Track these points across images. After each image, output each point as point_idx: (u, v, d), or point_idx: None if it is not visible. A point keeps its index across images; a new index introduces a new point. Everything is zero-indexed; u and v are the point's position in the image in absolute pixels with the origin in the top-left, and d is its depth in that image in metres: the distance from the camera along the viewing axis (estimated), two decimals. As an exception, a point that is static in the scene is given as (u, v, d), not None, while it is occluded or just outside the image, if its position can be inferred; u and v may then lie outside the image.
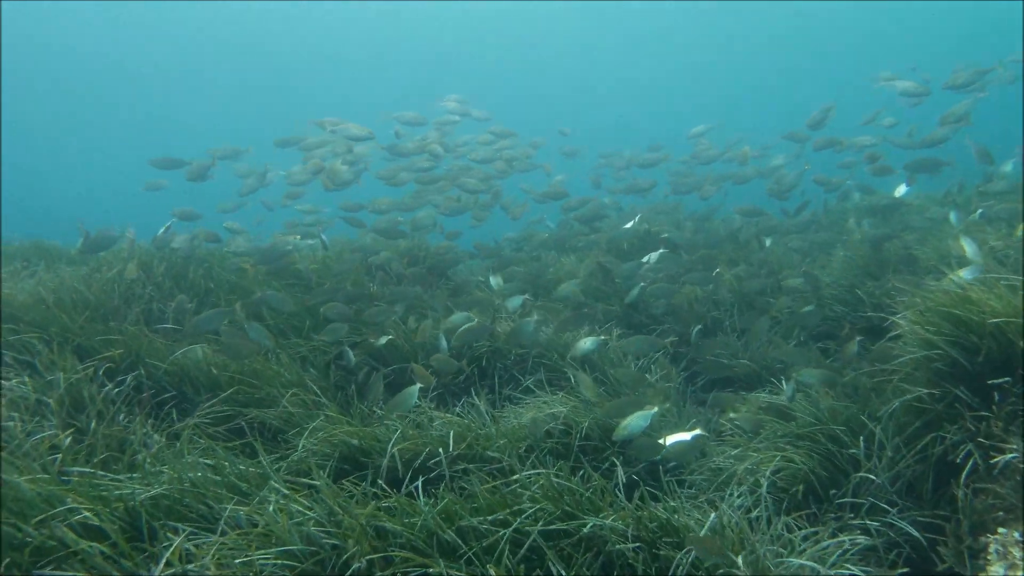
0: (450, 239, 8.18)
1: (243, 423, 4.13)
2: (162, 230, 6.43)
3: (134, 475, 3.14)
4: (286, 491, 3.04)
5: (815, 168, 9.01)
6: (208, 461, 3.25)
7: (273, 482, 3.15)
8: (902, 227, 7.25)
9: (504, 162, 8.42)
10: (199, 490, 2.95)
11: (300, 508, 2.82)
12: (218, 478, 3.10)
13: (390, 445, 3.52)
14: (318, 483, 3.05)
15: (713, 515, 2.74)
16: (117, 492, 2.97)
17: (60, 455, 3.45)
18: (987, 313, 3.03)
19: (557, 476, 3.09)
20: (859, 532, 3.09)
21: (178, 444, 3.66)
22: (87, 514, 2.74)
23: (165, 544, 2.66)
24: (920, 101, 7.80)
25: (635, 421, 3.84)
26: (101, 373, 4.44)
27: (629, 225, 7.67)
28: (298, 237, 7.19)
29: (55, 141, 42.28)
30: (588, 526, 2.71)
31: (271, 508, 2.76)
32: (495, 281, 7.04)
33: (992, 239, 5.39)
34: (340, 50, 40.49)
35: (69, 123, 42.19)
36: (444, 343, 4.87)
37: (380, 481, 3.36)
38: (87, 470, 3.18)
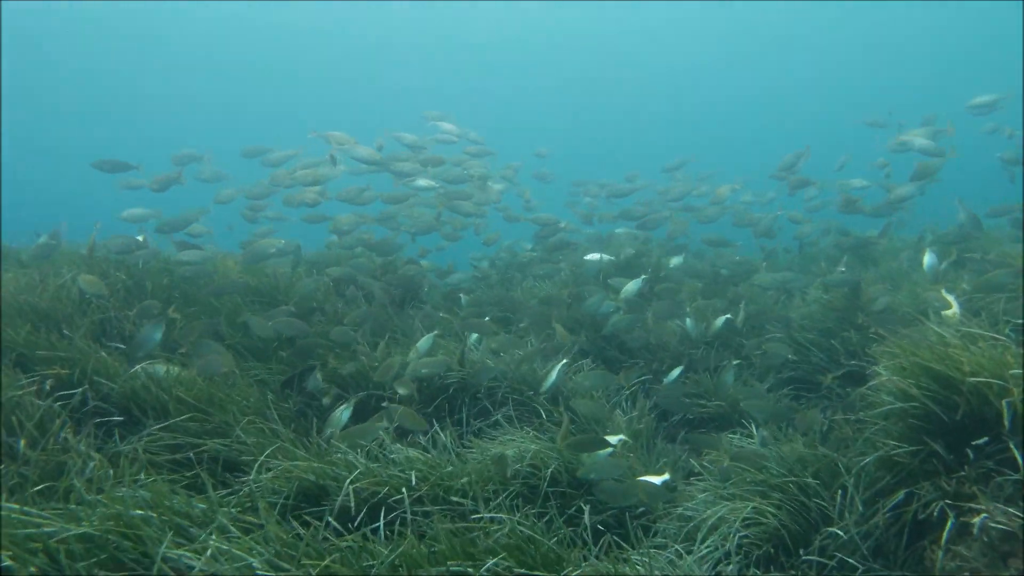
0: (423, 255, 8.06)
1: (193, 454, 3.90)
2: (139, 237, 6.20)
3: (60, 508, 2.90)
4: (234, 530, 2.85)
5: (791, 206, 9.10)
6: (145, 494, 3.03)
7: (220, 520, 2.96)
8: (877, 272, 7.29)
9: (478, 182, 8.31)
10: (134, 530, 2.73)
11: (242, 553, 2.63)
12: (155, 515, 2.88)
13: (347, 483, 3.34)
14: (263, 523, 2.86)
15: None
16: (37, 531, 2.74)
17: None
18: (966, 371, 2.98)
19: (521, 524, 2.96)
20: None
21: (113, 473, 3.43)
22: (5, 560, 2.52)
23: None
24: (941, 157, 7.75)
25: (597, 458, 3.74)
26: (47, 388, 4.19)
27: (591, 256, 7.58)
28: (282, 241, 6.92)
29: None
30: (550, 584, 2.57)
31: (208, 552, 2.56)
32: (465, 299, 6.91)
33: (965, 284, 5.42)
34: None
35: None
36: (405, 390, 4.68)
37: (331, 520, 3.19)
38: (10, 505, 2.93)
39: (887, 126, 9.37)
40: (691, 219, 9.14)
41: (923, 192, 7.52)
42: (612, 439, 3.93)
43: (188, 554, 2.59)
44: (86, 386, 4.32)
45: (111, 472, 3.55)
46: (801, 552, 3.26)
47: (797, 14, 36.30)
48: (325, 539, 2.92)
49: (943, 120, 8.28)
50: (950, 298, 4.31)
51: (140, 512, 2.89)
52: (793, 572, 3.26)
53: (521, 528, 2.80)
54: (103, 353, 4.66)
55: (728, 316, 6.10)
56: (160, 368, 4.48)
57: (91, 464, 3.43)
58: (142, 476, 3.44)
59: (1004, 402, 2.83)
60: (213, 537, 2.73)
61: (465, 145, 8.93)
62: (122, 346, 4.91)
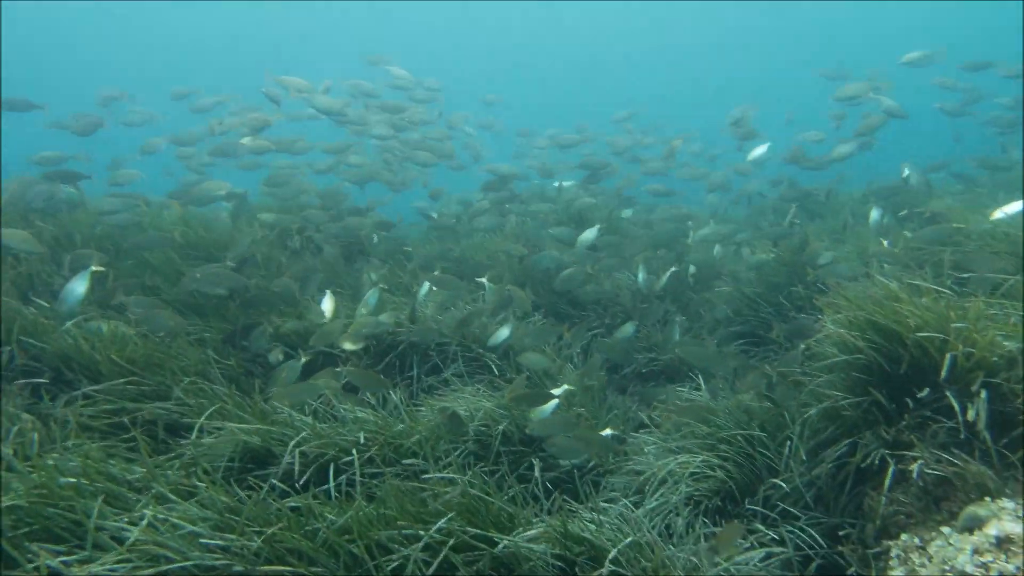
0: (371, 208, 7.81)
1: (130, 418, 3.71)
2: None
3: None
4: (173, 497, 2.73)
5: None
6: (76, 462, 2.87)
7: (159, 487, 2.83)
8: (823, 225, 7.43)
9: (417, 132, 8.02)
10: (65, 500, 2.58)
11: (181, 521, 2.52)
12: (88, 483, 2.73)
13: (291, 445, 3.24)
14: (200, 488, 2.74)
15: (629, 539, 2.63)
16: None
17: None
18: (911, 325, 3.04)
19: (472, 483, 2.92)
20: (773, 539, 3.10)
21: (45, 437, 3.24)
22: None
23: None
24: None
25: (544, 414, 3.75)
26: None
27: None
28: (228, 185, 6.53)
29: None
30: (500, 545, 2.55)
31: (144, 522, 2.44)
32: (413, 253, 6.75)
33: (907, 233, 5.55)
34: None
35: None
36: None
37: (277, 483, 3.11)
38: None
39: (840, 78, 9.43)
40: (638, 171, 9.09)
41: (870, 147, 7.65)
42: (557, 391, 3.92)
43: (124, 525, 2.46)
44: (12, 346, 4.06)
45: (41, 437, 3.37)
46: (747, 502, 3.34)
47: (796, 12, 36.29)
48: (272, 502, 2.83)
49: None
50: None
51: (72, 479, 2.74)
52: (736, 520, 3.35)
53: (472, 490, 2.76)
54: (32, 309, 4.37)
55: (674, 269, 6.14)
56: (101, 326, 4.23)
57: (14, 429, 3.22)
58: (75, 441, 3.27)
59: (948, 355, 2.90)
60: (149, 506, 2.60)
61: (419, 92, 8.61)
62: (46, 304, 4.61)
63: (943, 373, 2.98)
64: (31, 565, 2.34)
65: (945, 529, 2.67)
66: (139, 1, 34.33)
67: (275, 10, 36.94)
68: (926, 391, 3.01)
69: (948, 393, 2.99)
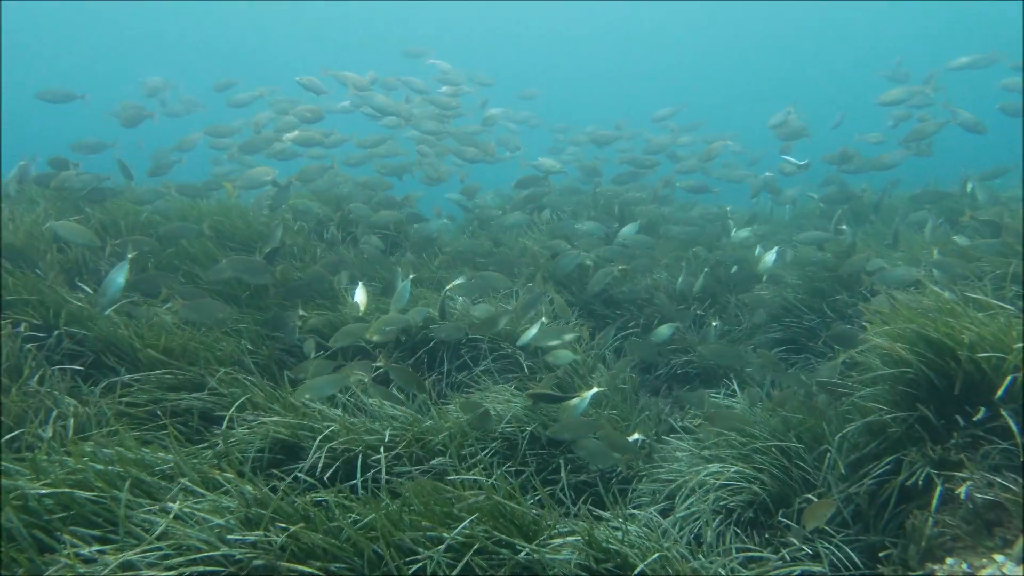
0: (409, 201, 7.81)
1: (168, 405, 3.77)
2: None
3: (30, 460, 2.79)
4: (200, 490, 2.76)
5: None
6: (110, 451, 2.92)
7: (189, 476, 2.87)
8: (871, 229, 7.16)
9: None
10: (97, 491, 2.63)
11: (207, 515, 2.53)
12: (122, 470, 2.78)
13: (316, 441, 3.24)
14: (227, 483, 2.76)
15: (656, 555, 2.56)
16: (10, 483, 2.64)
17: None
18: (965, 343, 2.88)
19: (498, 487, 2.88)
20: (808, 555, 2.99)
21: (86, 423, 3.32)
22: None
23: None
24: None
25: (569, 417, 3.66)
26: (22, 331, 4.04)
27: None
28: (275, 172, 6.60)
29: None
30: (523, 553, 2.51)
31: (172, 515, 2.47)
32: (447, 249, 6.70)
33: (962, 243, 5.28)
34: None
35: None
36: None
37: (304, 476, 3.12)
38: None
39: (898, 80, 9.03)
40: (674, 170, 8.88)
41: (928, 154, 7.34)
42: (586, 394, 3.83)
43: (153, 517, 2.49)
44: (60, 329, 4.18)
45: (82, 422, 3.45)
46: (780, 514, 3.23)
47: (796, 14, 35.35)
48: (295, 500, 2.84)
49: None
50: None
51: (101, 468, 2.79)
52: (769, 534, 3.24)
53: (496, 497, 2.72)
54: (75, 300, 4.48)
55: (707, 270, 6.00)
56: (149, 310, 4.32)
57: (53, 413, 3.30)
58: (111, 427, 3.34)
59: (1009, 378, 2.73)
60: (179, 498, 2.63)
61: (474, 87, 8.60)
62: (90, 290, 4.73)
63: (999, 392, 2.81)
64: (65, 552, 2.38)
65: (999, 557, 2.53)
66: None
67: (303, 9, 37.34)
68: (982, 411, 2.84)
69: (1004, 412, 2.83)
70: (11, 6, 31.56)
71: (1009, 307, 3.12)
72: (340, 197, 7.37)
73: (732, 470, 3.35)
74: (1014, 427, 2.75)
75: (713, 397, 4.52)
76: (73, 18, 36.23)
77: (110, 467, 2.80)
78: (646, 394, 5.22)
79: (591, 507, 3.09)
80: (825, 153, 8.14)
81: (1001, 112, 8.72)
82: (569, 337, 4.48)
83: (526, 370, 4.66)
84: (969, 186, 6.45)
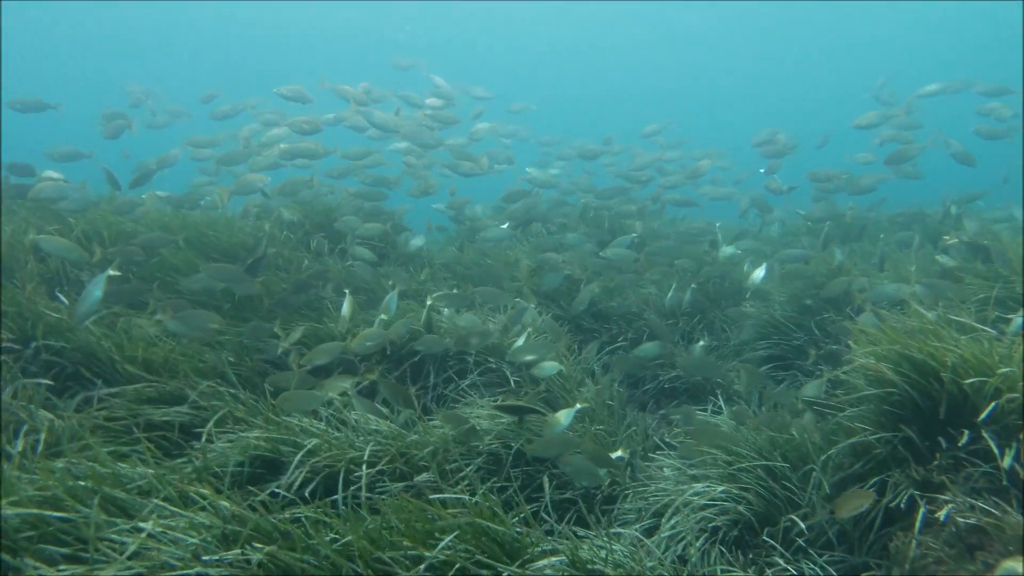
0: (397, 218, 7.78)
1: (141, 422, 3.71)
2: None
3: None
4: (174, 509, 2.70)
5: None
6: (82, 469, 2.85)
7: (165, 492, 2.81)
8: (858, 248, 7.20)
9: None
10: (67, 509, 2.57)
11: (182, 535, 2.48)
12: (93, 485, 2.71)
13: (297, 458, 3.19)
14: (202, 499, 2.71)
15: None
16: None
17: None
18: (948, 365, 2.88)
19: (479, 510, 2.84)
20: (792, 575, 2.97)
21: (59, 438, 3.25)
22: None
23: None
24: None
25: (549, 435, 3.62)
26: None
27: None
28: (268, 179, 6.51)
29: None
30: (506, 573, 2.47)
31: (144, 533, 2.41)
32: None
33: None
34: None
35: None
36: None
37: (283, 492, 3.07)
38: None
39: (888, 103, 9.11)
40: (659, 184, 8.91)
41: (918, 176, 7.42)
42: (564, 413, 3.79)
43: (123, 538, 2.43)
44: (38, 341, 4.10)
45: (55, 436, 3.38)
46: (766, 532, 3.20)
47: (794, 13, 35.64)
48: (277, 512, 2.79)
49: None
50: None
51: (72, 484, 2.72)
52: (753, 554, 3.21)
53: (478, 519, 2.68)
54: (53, 312, 4.40)
55: (694, 286, 6.01)
56: (147, 324, 4.25)
57: (24, 427, 3.23)
58: (87, 441, 3.27)
59: (993, 403, 2.74)
60: (153, 516, 2.57)
61: (472, 102, 8.61)
62: (66, 302, 4.66)
63: (982, 415, 2.82)
64: (35, 573, 2.32)
65: (979, 582, 2.52)
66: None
67: (283, 10, 37.19)
68: (966, 435, 2.84)
69: (986, 435, 2.83)
70: (11, 6, 31.29)
71: (991, 330, 3.13)
72: (328, 208, 7.33)
73: (719, 490, 3.33)
74: (996, 450, 2.75)
75: (700, 413, 4.50)
76: (74, 18, 35.99)
77: (82, 483, 2.74)
78: (633, 409, 5.20)
79: (575, 527, 3.06)
80: (810, 171, 8.21)
81: (976, 135, 8.85)
82: (554, 350, 4.45)
83: (512, 384, 4.63)
84: (953, 209, 6.52)
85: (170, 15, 36.76)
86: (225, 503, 2.75)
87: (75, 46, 38.97)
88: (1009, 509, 2.63)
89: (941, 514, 2.77)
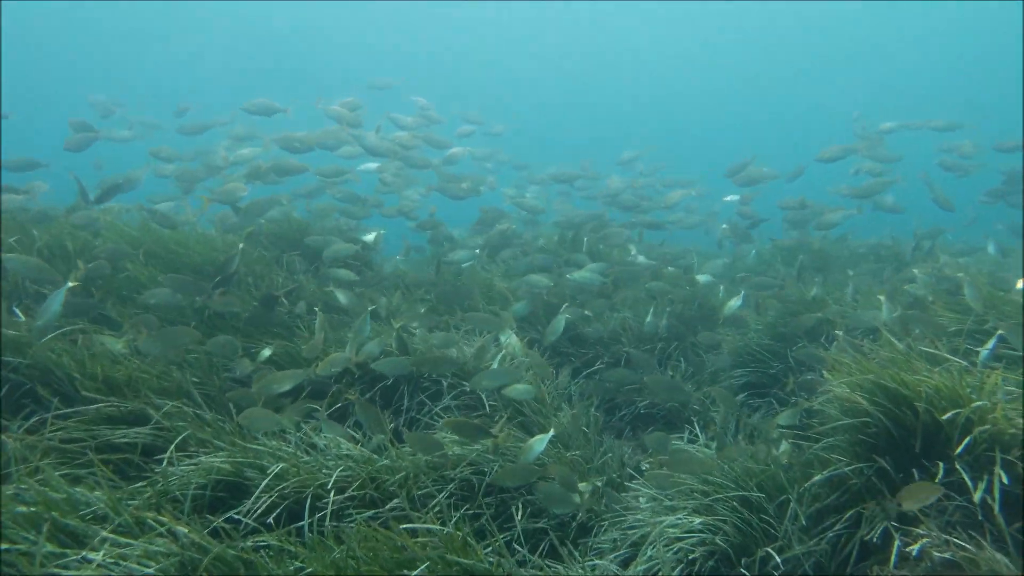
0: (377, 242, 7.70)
1: (103, 443, 3.56)
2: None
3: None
4: (126, 540, 2.57)
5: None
6: (33, 495, 2.71)
7: (121, 520, 2.67)
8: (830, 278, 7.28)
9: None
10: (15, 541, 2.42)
11: (136, 566, 2.36)
12: (42, 510, 2.58)
13: (261, 487, 3.08)
14: (159, 526, 2.59)
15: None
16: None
17: None
18: (922, 396, 2.88)
19: (450, 542, 2.76)
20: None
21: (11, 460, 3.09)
22: None
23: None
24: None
25: (520, 463, 3.55)
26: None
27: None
28: (247, 189, 6.37)
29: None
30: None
31: (94, 563, 2.28)
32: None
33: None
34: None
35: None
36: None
37: (246, 520, 2.95)
38: None
39: (862, 134, 9.29)
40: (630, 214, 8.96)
41: (900, 210, 7.58)
42: (543, 437, 3.72)
43: (71, 573, 2.30)
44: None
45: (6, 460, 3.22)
46: (743, 563, 3.16)
47: (794, 14, 36.22)
48: (240, 539, 2.67)
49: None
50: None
51: (28, 509, 2.58)
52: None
53: (451, 556, 2.60)
54: (10, 328, 4.23)
55: (669, 310, 6.02)
56: (111, 341, 4.12)
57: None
58: (39, 463, 3.12)
59: (968, 438, 2.74)
60: (106, 544, 2.44)
61: (454, 123, 8.65)
62: (24, 318, 4.49)
63: (957, 449, 2.82)
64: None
65: (954, 618, 2.49)
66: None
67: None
68: (941, 470, 2.83)
69: (960, 467, 2.83)
70: (11, 6, 30.84)
71: (962, 361, 3.16)
72: (301, 226, 7.24)
73: (696, 522, 3.28)
74: (969, 483, 2.75)
75: (676, 441, 4.47)
76: (73, 19, 35.55)
77: (33, 508, 2.60)
78: (610, 436, 5.15)
79: (547, 560, 2.98)
80: (782, 199, 8.33)
81: (940, 167, 9.09)
82: (521, 377, 4.40)
83: (488, 408, 4.55)
84: (926, 244, 6.66)
85: (170, 15, 36.55)
86: (184, 529, 2.63)
87: (74, 47, 38.45)
88: (984, 544, 2.62)
89: (914, 548, 2.75)
